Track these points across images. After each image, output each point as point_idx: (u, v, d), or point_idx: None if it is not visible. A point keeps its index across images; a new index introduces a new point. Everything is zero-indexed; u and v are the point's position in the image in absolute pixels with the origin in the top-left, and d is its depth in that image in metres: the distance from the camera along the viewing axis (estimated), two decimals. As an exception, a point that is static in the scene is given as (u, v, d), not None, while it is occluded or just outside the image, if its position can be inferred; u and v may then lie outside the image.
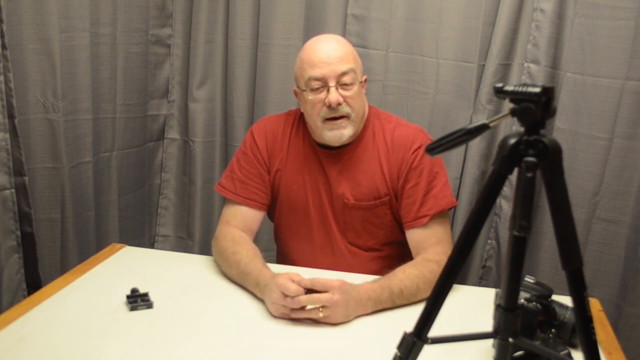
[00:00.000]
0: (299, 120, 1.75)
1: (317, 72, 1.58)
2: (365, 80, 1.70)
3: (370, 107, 1.74)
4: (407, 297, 1.48)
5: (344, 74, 1.58)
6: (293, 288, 1.36)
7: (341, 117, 1.61)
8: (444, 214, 1.66)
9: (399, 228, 1.71)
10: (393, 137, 1.68)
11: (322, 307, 1.37)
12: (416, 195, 1.63)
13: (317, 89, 1.60)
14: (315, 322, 1.40)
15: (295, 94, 1.70)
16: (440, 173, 1.66)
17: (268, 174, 1.74)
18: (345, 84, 1.59)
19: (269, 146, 1.74)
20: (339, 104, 1.58)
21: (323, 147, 1.70)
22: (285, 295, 1.37)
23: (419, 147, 1.66)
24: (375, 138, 1.69)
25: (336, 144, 1.66)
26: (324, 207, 1.71)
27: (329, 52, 1.60)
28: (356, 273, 1.67)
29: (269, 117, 1.82)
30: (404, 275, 1.50)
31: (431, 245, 1.61)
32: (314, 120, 1.63)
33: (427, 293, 1.46)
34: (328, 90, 1.58)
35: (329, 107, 1.58)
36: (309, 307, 1.38)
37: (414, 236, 1.65)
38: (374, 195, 1.68)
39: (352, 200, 1.68)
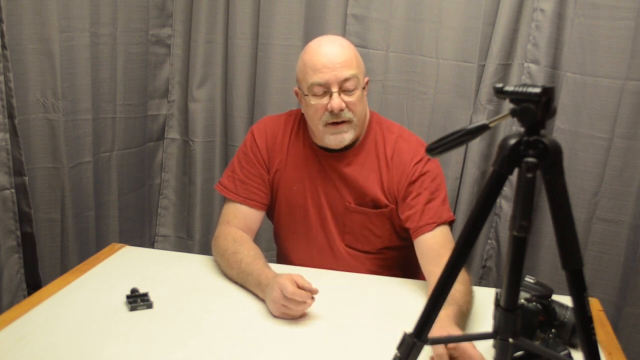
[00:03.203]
0: (300, 121, 1.75)
1: (320, 78, 1.57)
2: (367, 82, 1.70)
3: (372, 113, 1.73)
4: (468, 309, 1.43)
5: (346, 80, 1.57)
6: (291, 290, 1.37)
7: (343, 122, 1.60)
8: (448, 228, 1.63)
9: (397, 237, 1.70)
10: (394, 150, 1.67)
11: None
12: (418, 206, 1.61)
13: (320, 94, 1.59)
14: (315, 322, 1.40)
15: (296, 94, 1.69)
16: (441, 186, 1.64)
17: (268, 174, 1.74)
18: (348, 90, 1.58)
19: (269, 146, 1.74)
20: (341, 109, 1.58)
21: (323, 149, 1.70)
22: (287, 297, 1.37)
23: (420, 161, 1.64)
24: (377, 148, 1.68)
25: (337, 147, 1.66)
26: (322, 208, 1.71)
27: (332, 56, 1.58)
28: (356, 273, 1.68)
29: (270, 117, 1.82)
30: (455, 291, 1.39)
31: (446, 250, 1.52)
32: (316, 124, 1.62)
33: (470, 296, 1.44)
34: (330, 96, 1.58)
35: (331, 112, 1.58)
36: (308, 303, 1.39)
37: (426, 243, 1.59)
38: (374, 203, 1.67)
39: (352, 203, 1.68)
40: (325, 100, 1.58)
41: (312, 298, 1.40)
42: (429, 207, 1.61)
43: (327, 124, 1.60)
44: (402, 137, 1.70)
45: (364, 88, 1.65)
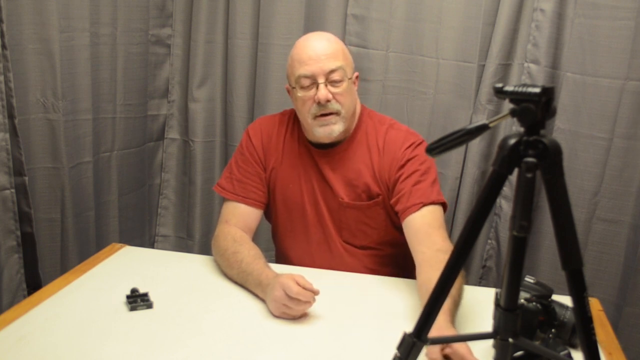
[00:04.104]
0: (294, 119, 1.76)
1: (306, 70, 1.59)
2: (357, 77, 1.70)
3: (362, 107, 1.74)
4: (461, 295, 1.43)
5: (332, 71, 1.59)
6: (295, 290, 1.37)
7: (331, 113, 1.61)
8: (438, 209, 1.62)
9: (394, 228, 1.70)
10: (385, 139, 1.69)
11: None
12: (406, 188, 1.62)
13: (307, 86, 1.60)
14: (315, 322, 1.40)
15: (288, 91, 1.70)
16: (431, 169, 1.65)
17: (265, 172, 1.74)
18: (335, 81, 1.60)
19: (264, 145, 1.75)
20: (328, 100, 1.59)
21: (316, 146, 1.71)
22: (289, 297, 1.38)
23: (410, 146, 1.66)
24: (368, 139, 1.70)
25: (327, 141, 1.67)
26: (319, 205, 1.72)
27: (317, 49, 1.60)
28: (354, 272, 1.69)
29: (264, 117, 1.83)
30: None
31: (435, 229, 1.56)
32: (305, 117, 1.63)
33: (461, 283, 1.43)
34: (317, 87, 1.59)
35: (319, 103, 1.59)
36: (310, 303, 1.39)
37: (413, 223, 1.59)
38: (367, 194, 1.68)
39: (346, 199, 1.68)
40: (312, 92, 1.60)
41: (314, 299, 1.40)
42: (416, 189, 1.61)
43: (316, 117, 1.61)
44: (392, 127, 1.72)
45: (354, 83, 1.66)
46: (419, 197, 1.60)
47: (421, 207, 1.58)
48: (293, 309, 1.39)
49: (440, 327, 1.26)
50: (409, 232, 1.59)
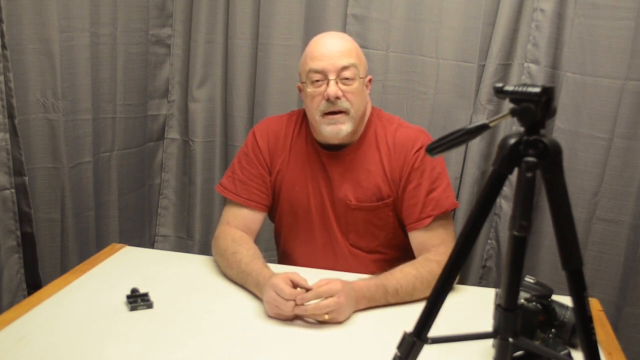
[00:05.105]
0: (302, 121, 1.75)
1: (317, 65, 1.58)
2: (370, 81, 1.70)
3: (373, 108, 1.74)
4: (402, 296, 1.49)
5: (344, 68, 1.58)
6: (287, 291, 1.36)
7: (340, 112, 1.60)
8: (447, 215, 1.65)
9: (402, 230, 1.70)
10: (395, 138, 1.68)
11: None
12: (418, 197, 1.63)
13: (317, 81, 1.59)
14: (315, 322, 1.40)
15: (299, 90, 1.70)
16: (442, 174, 1.66)
17: (269, 175, 1.73)
18: (346, 79, 1.59)
19: (270, 147, 1.74)
20: (338, 97, 1.58)
21: (325, 148, 1.70)
22: (280, 297, 1.37)
23: (421, 148, 1.65)
24: (378, 139, 1.69)
25: (334, 141, 1.66)
26: (325, 208, 1.71)
27: (331, 46, 1.60)
28: (357, 273, 1.68)
29: (271, 118, 1.82)
30: (402, 275, 1.50)
31: (433, 247, 1.61)
32: (313, 114, 1.62)
33: (424, 293, 1.47)
34: (328, 84, 1.58)
35: (328, 100, 1.58)
36: (308, 303, 1.39)
37: (416, 238, 1.65)
38: (376, 196, 1.67)
39: (354, 201, 1.68)
40: (322, 88, 1.59)
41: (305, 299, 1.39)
42: (430, 198, 1.63)
43: (324, 114, 1.60)
44: (401, 126, 1.72)
45: (366, 86, 1.66)
46: (429, 211, 1.62)
47: (429, 222, 1.62)
48: (285, 310, 1.38)
49: (356, 298, 1.42)
50: (413, 244, 1.66)
